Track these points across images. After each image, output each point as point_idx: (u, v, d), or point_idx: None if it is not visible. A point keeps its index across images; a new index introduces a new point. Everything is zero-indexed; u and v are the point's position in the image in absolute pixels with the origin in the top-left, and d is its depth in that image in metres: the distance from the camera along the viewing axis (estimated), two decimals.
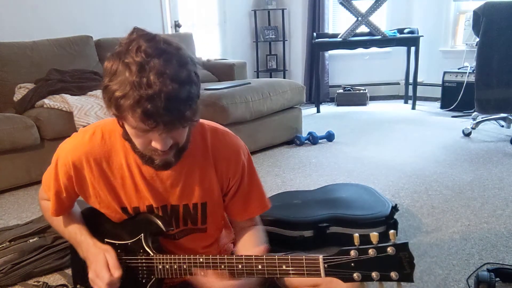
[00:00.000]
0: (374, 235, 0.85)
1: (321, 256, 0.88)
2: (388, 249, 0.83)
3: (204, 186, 1.08)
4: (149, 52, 0.82)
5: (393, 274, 0.83)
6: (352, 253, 0.85)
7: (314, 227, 1.84)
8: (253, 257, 0.95)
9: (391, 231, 0.85)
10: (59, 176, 1.07)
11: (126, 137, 0.95)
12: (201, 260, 0.99)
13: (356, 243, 0.86)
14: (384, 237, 1.93)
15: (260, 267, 0.94)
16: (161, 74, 0.80)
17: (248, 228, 1.19)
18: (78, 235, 1.12)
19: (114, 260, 1.04)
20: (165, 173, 1.04)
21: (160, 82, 0.80)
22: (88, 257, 1.09)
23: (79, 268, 1.17)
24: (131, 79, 0.80)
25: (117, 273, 1.02)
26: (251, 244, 1.13)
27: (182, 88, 0.82)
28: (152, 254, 1.05)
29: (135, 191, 1.06)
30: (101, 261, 1.04)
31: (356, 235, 0.86)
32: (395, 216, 1.90)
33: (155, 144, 0.89)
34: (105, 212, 1.12)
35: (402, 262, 0.83)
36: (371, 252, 0.84)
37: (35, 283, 1.67)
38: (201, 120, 1.11)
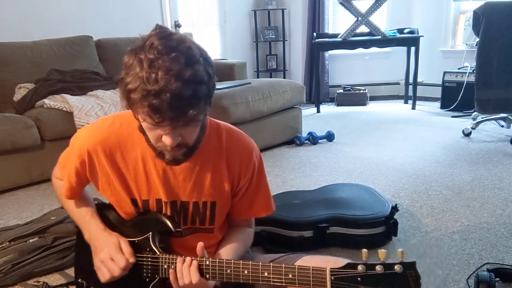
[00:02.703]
0: (382, 252, 0.86)
1: (328, 268, 0.90)
2: (396, 266, 0.85)
3: (215, 184, 1.10)
4: (160, 49, 0.85)
5: None
6: (360, 267, 0.87)
7: (314, 227, 1.83)
8: (260, 264, 0.96)
9: (400, 250, 0.87)
10: (73, 160, 1.10)
11: (141, 129, 0.98)
12: (207, 263, 0.99)
13: (364, 258, 0.87)
14: (384, 236, 1.94)
15: (266, 274, 0.95)
16: (167, 72, 0.83)
17: (240, 227, 1.22)
18: (88, 216, 1.14)
19: (129, 247, 1.05)
20: (178, 168, 1.06)
21: (165, 79, 0.83)
22: (96, 239, 1.09)
23: (84, 263, 1.18)
24: (141, 74, 0.84)
25: (132, 259, 1.03)
26: (231, 241, 1.16)
27: (186, 87, 0.84)
28: (158, 253, 1.06)
29: (146, 183, 1.07)
30: (116, 244, 1.05)
31: (365, 250, 0.88)
32: (395, 216, 1.90)
33: (164, 139, 0.92)
34: (114, 202, 1.13)
35: (408, 280, 0.85)
36: (379, 268, 0.85)
37: (35, 283, 1.67)
38: (217, 121, 1.15)
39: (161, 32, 0.88)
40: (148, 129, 0.93)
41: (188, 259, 1.00)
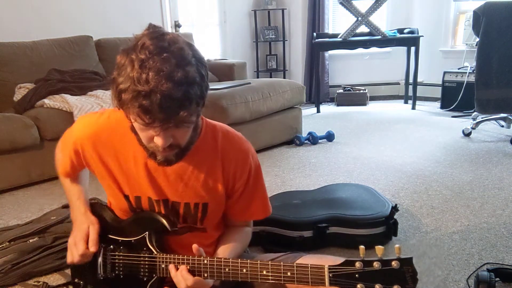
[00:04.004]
0: (379, 248, 0.87)
1: (326, 265, 0.90)
2: (393, 262, 0.85)
3: (208, 186, 1.09)
4: (151, 49, 0.84)
5: None
6: (357, 264, 0.87)
7: (313, 227, 1.83)
8: (259, 262, 0.96)
9: (397, 246, 0.87)
10: (68, 148, 1.14)
11: (133, 129, 0.98)
12: (205, 261, 0.99)
13: (361, 255, 0.88)
14: (384, 236, 1.94)
15: (265, 272, 0.95)
16: (158, 72, 0.83)
17: (237, 227, 1.22)
18: (75, 198, 1.19)
19: (95, 235, 1.08)
20: (169, 168, 1.06)
21: (156, 80, 0.82)
22: (75, 221, 1.14)
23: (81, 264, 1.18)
24: (132, 75, 0.84)
25: (93, 248, 1.07)
26: (229, 240, 1.16)
27: (177, 88, 0.83)
28: (155, 252, 1.06)
29: (137, 181, 1.08)
30: (83, 231, 1.09)
31: (362, 247, 0.88)
32: (395, 216, 1.90)
33: (156, 140, 0.92)
34: (110, 195, 1.15)
35: (405, 276, 0.85)
36: (376, 264, 0.86)
37: (35, 283, 1.67)
38: (213, 122, 1.14)
39: (153, 32, 0.87)
40: (140, 130, 0.93)
41: (172, 267, 1.01)
